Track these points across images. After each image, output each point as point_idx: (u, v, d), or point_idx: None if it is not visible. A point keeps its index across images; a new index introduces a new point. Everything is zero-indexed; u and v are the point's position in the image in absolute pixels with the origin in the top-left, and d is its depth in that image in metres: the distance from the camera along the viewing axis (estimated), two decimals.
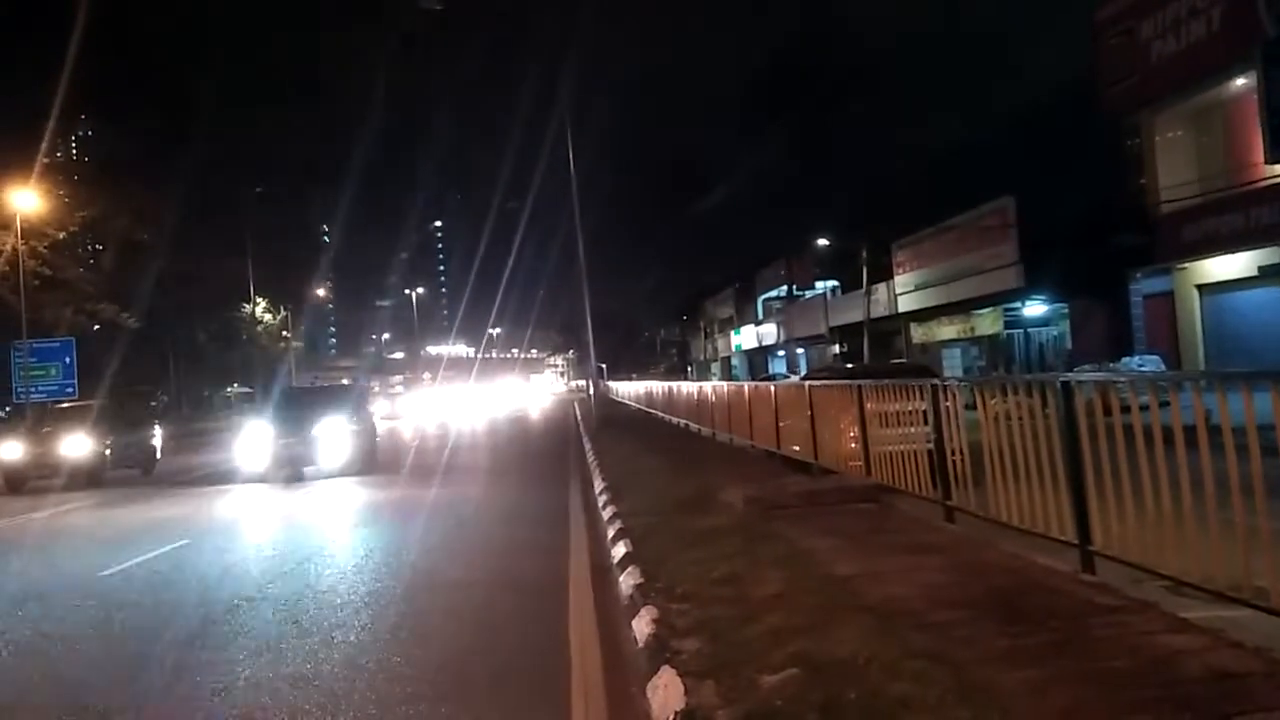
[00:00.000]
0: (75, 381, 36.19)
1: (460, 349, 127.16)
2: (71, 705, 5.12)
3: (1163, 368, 22.43)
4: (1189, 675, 3.89)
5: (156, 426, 23.25)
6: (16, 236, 35.45)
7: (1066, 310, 31.35)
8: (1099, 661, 4.10)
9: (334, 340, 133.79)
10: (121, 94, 50.25)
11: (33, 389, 35.54)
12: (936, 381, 8.29)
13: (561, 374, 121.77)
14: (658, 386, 34.81)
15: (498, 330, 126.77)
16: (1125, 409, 5.35)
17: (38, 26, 44.98)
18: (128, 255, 44.95)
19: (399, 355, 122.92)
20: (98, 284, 43.56)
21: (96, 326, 42.51)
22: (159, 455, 22.51)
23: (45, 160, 39.35)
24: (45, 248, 39.54)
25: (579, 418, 33.41)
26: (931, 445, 7.84)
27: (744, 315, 65.98)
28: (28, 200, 35.52)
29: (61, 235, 41.10)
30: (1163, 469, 4.77)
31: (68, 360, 36.16)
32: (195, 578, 8.71)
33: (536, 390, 56.38)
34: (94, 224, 43.45)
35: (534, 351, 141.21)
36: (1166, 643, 4.29)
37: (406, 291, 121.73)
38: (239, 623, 6.80)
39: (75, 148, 57.67)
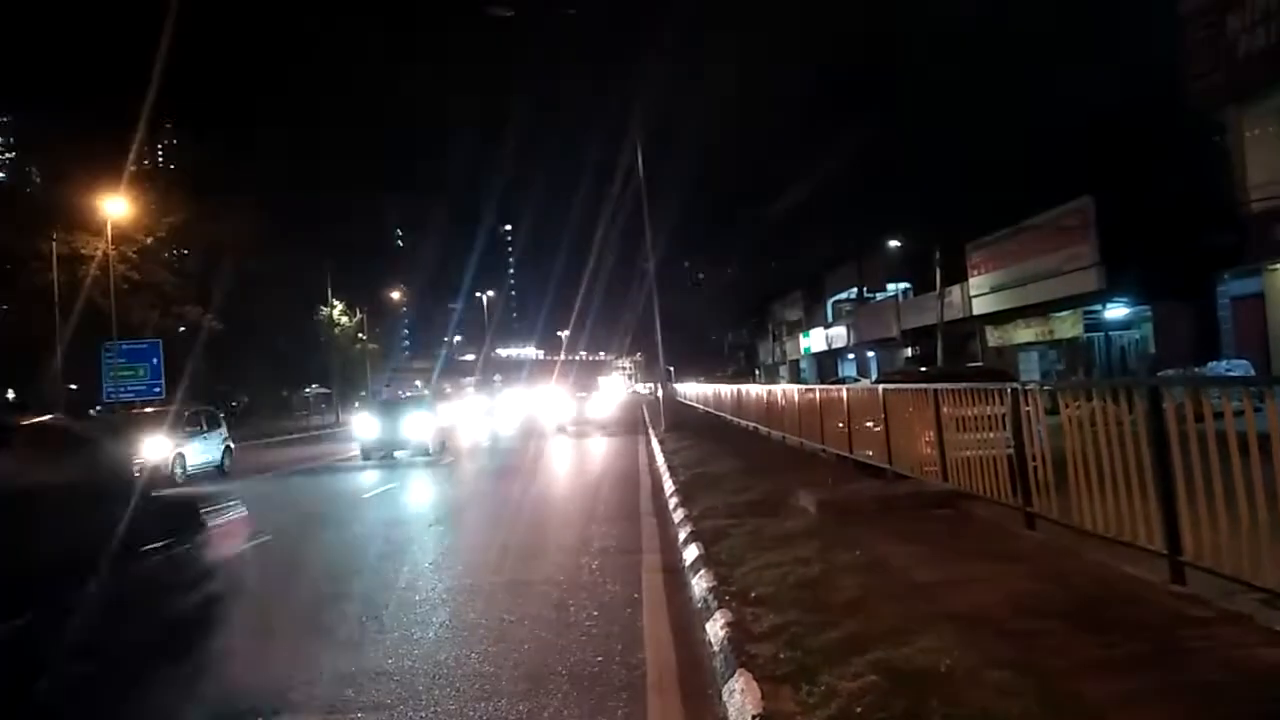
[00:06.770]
0: (162, 382, 37.50)
1: (530, 351, 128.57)
2: None
3: (1252, 373, 21.65)
4: None
5: None
6: (107, 241, 36.86)
7: (1150, 313, 30.40)
8: (1192, 675, 3.98)
9: (407, 342, 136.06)
10: (205, 104, 51.94)
11: (122, 389, 36.91)
12: (1016, 385, 8.11)
13: (629, 376, 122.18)
14: (726, 390, 34.65)
15: (565, 333, 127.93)
16: (1217, 415, 5.19)
17: (125, 39, 46.77)
18: (211, 260, 46.39)
19: (470, 357, 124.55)
20: (183, 287, 45.11)
21: (181, 328, 43.93)
22: None
23: (133, 168, 40.91)
24: (134, 252, 41.09)
25: (647, 421, 33.48)
26: (1011, 450, 7.68)
27: (813, 318, 65.29)
28: (118, 207, 36.87)
29: (149, 240, 42.69)
30: (1258, 477, 4.61)
31: (154, 361, 37.45)
32: None
33: (603, 394, 56.14)
34: (179, 229, 44.96)
35: (601, 354, 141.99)
36: (1263, 656, 4.15)
37: (477, 295, 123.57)
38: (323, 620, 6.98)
39: (161, 156, 59.75)
